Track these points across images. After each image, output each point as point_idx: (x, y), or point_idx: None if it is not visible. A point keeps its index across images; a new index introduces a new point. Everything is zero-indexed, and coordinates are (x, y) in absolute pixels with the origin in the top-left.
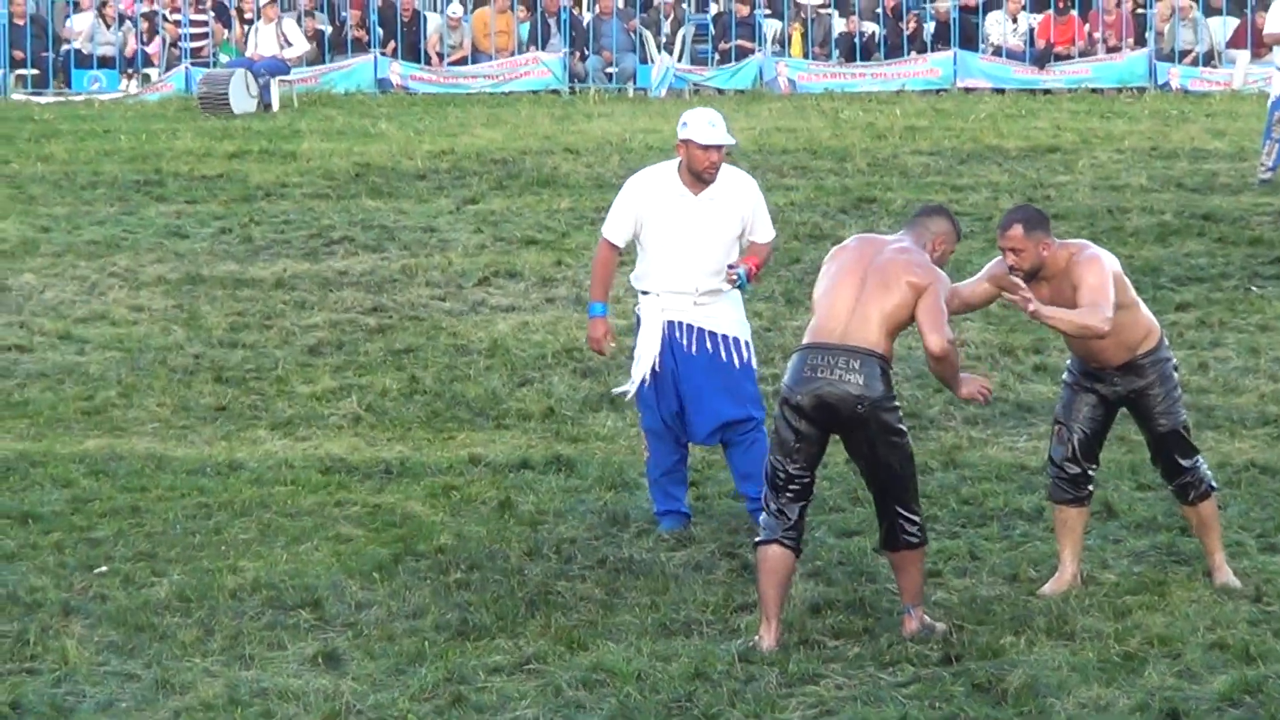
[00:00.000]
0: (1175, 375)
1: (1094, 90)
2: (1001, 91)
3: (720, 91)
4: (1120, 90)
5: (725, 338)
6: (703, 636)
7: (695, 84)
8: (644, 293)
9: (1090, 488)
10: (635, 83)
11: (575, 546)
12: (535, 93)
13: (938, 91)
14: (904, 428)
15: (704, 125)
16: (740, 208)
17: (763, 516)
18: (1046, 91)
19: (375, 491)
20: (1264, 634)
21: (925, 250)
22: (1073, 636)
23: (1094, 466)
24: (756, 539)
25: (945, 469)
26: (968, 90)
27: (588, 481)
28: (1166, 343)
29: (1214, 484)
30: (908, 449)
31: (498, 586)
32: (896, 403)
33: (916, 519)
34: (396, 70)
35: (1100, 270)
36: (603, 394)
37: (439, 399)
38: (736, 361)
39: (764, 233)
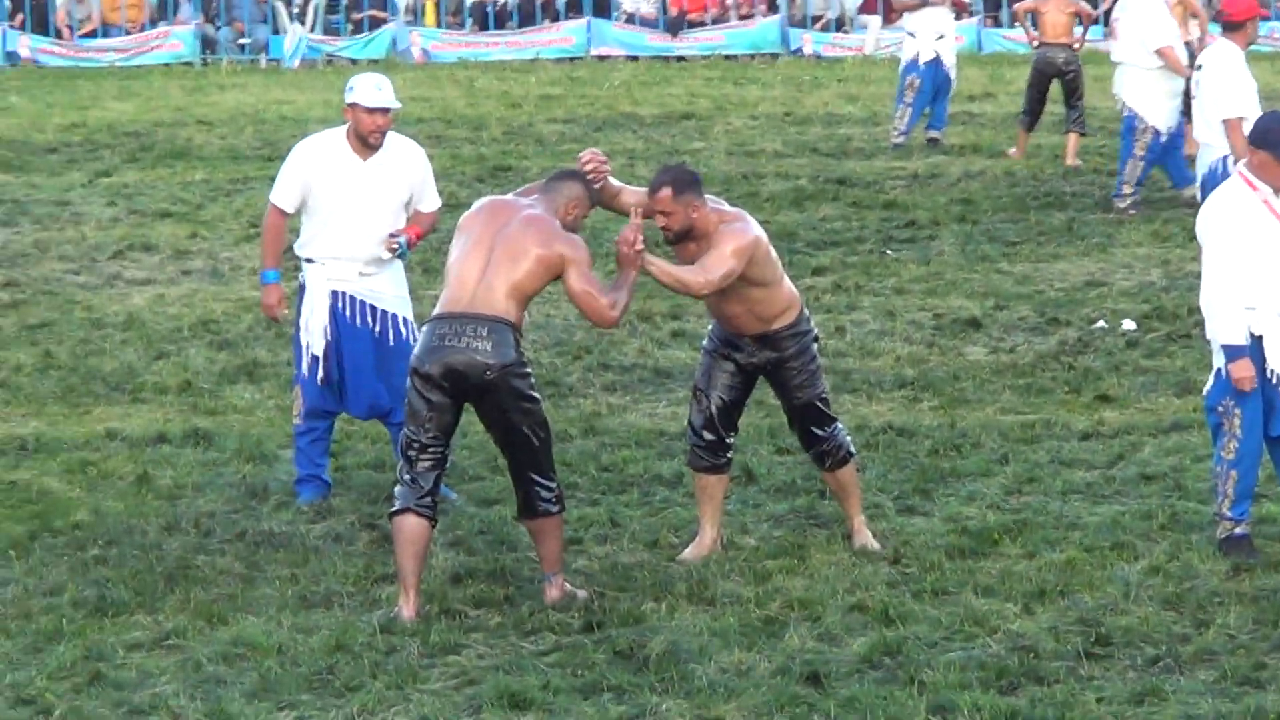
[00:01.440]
0: (814, 348)
1: (727, 57)
2: (635, 59)
3: (354, 61)
4: (753, 57)
5: (386, 314)
6: (343, 608)
7: (329, 54)
8: (309, 260)
9: (729, 455)
10: (268, 53)
11: (214, 520)
12: (167, 65)
13: (572, 59)
14: (536, 394)
15: (370, 89)
16: (409, 175)
17: (396, 487)
18: (680, 59)
19: (10, 468)
20: (903, 595)
21: (557, 215)
22: (713, 602)
23: (733, 434)
24: (391, 509)
25: (584, 436)
26: (602, 58)
27: (226, 455)
28: (807, 315)
29: (852, 449)
30: (541, 415)
31: (136, 562)
32: (528, 369)
33: (552, 486)
34: (25, 43)
35: (735, 242)
36: (240, 366)
37: (74, 374)
38: (392, 339)
39: (430, 202)
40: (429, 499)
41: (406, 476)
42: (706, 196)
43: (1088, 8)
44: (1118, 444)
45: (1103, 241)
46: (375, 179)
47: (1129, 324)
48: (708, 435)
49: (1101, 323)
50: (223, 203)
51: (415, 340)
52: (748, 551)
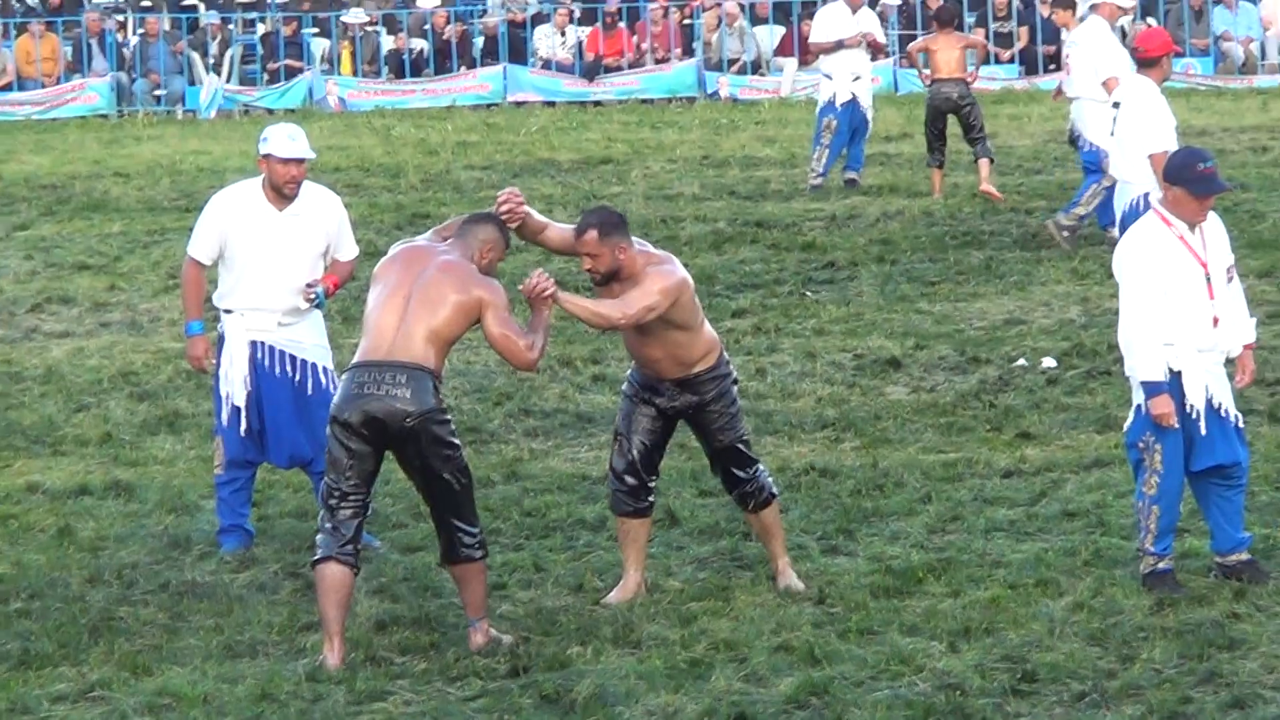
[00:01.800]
0: (734, 390)
1: (644, 101)
2: (552, 104)
3: (270, 111)
4: (670, 100)
5: (305, 363)
6: (269, 657)
7: (245, 104)
8: (227, 311)
9: (651, 498)
10: (184, 105)
11: (137, 571)
12: (83, 117)
13: (489, 106)
14: (457, 441)
15: (283, 139)
16: (325, 224)
17: (318, 535)
18: (597, 103)
19: None
20: (828, 635)
21: (473, 259)
22: (639, 644)
23: (654, 478)
24: (313, 558)
25: (507, 481)
26: (518, 104)
27: (148, 506)
28: (727, 358)
29: (774, 491)
30: (462, 462)
31: (59, 614)
32: (448, 416)
33: (475, 531)
34: None
35: (662, 282)
36: (160, 417)
37: None
38: (311, 388)
39: (347, 250)
40: (351, 546)
41: (328, 525)
42: (633, 239)
43: (980, 40)
44: (1040, 481)
45: (1021, 280)
46: (291, 229)
47: (1049, 361)
48: (629, 479)
49: (1022, 361)
50: (140, 254)
51: (335, 389)
52: (672, 594)
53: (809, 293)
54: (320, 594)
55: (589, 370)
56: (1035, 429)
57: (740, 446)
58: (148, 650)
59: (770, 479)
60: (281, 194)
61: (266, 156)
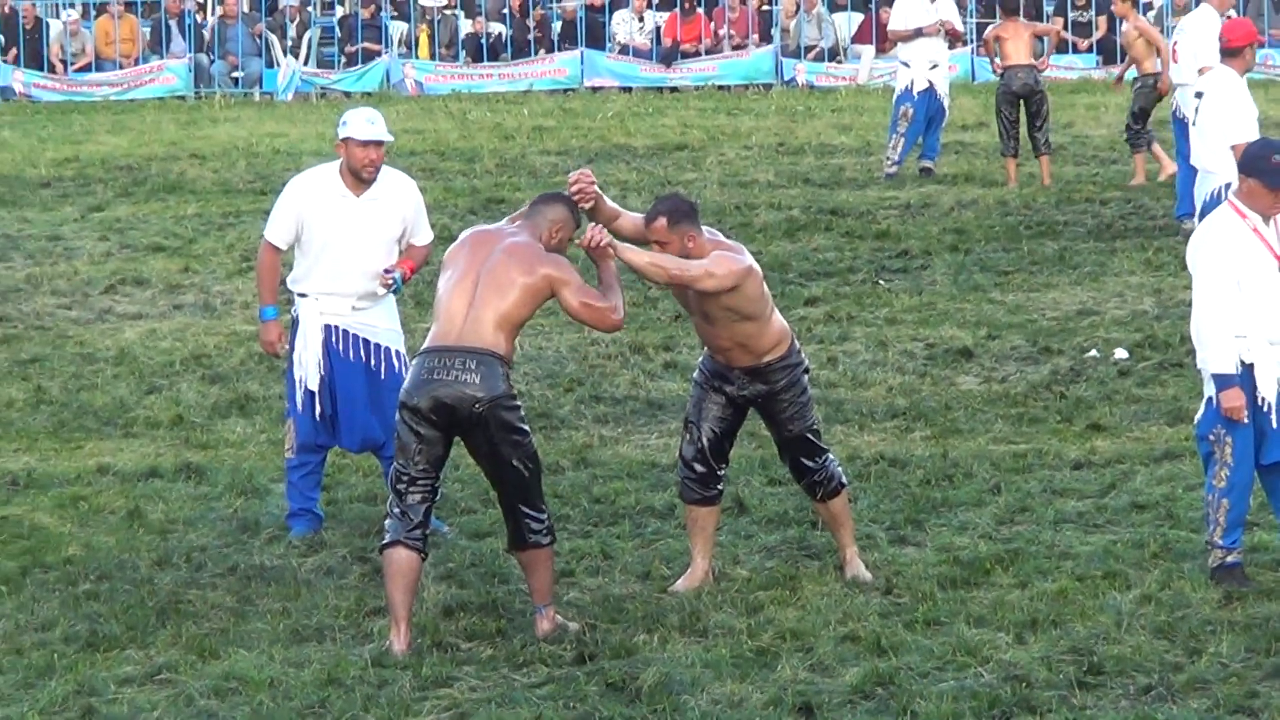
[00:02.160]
0: (805, 380)
1: (721, 87)
2: (629, 90)
3: (348, 94)
4: (747, 87)
5: (379, 347)
6: (335, 642)
7: (322, 87)
8: (302, 295)
9: (720, 486)
10: (261, 87)
11: (206, 554)
12: (161, 99)
13: (565, 91)
14: (525, 427)
15: (362, 123)
16: (402, 209)
17: (387, 520)
18: (674, 89)
19: (1, 504)
20: (895, 626)
21: (541, 239)
22: (706, 633)
23: (724, 466)
24: (381, 542)
25: (576, 468)
26: (595, 89)
27: (218, 489)
28: (798, 347)
29: (844, 480)
30: (530, 448)
31: (127, 596)
32: (517, 402)
33: (543, 518)
34: (19, 78)
35: (728, 264)
36: (232, 400)
37: (66, 409)
38: (385, 372)
39: (423, 235)
40: (419, 532)
41: (396, 510)
42: (704, 228)
43: (1048, 27)
44: (1110, 473)
45: (1095, 270)
46: (368, 214)
47: (1121, 353)
48: (699, 467)
49: (1094, 352)
50: (215, 237)
51: (408, 373)
52: (740, 583)
53: (882, 281)
54: (387, 579)
55: (660, 357)
56: (1106, 420)
57: (810, 436)
58: (215, 634)
59: (840, 468)
60: (360, 178)
61: (345, 140)
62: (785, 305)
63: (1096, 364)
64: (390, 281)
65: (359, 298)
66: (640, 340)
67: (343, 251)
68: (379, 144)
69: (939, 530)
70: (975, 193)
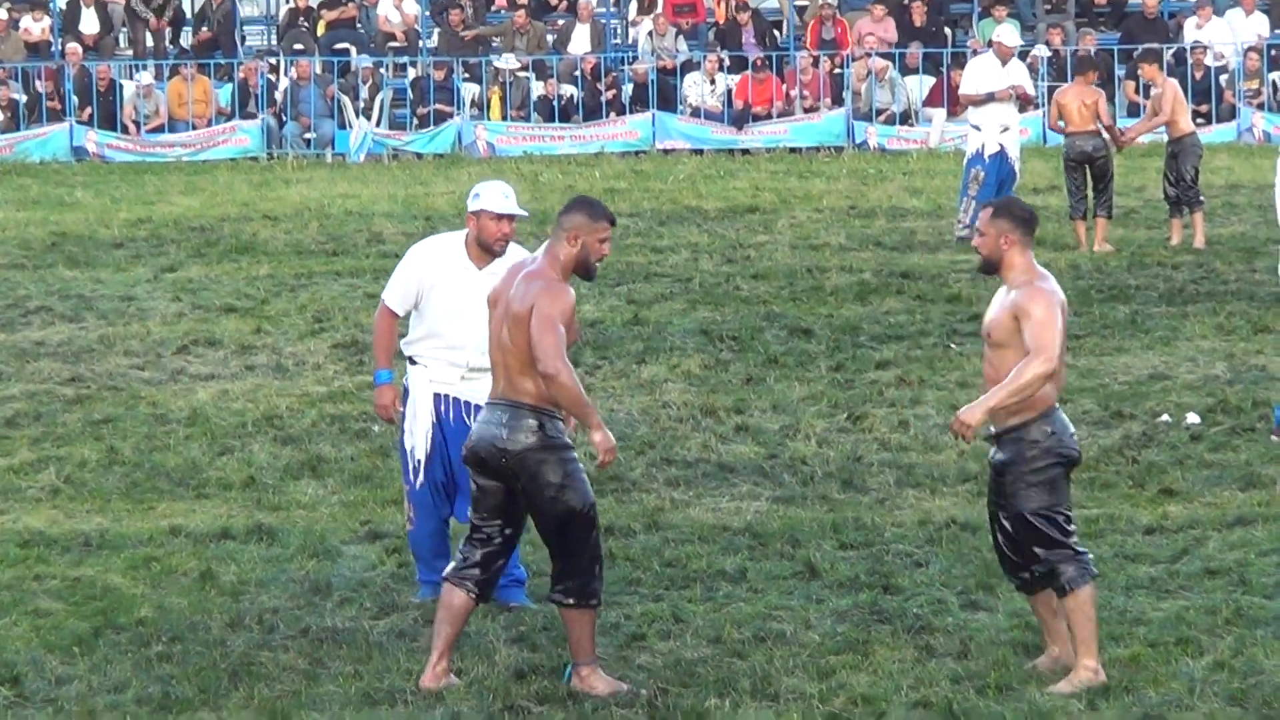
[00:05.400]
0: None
1: (792, 150)
2: (700, 152)
3: (419, 156)
4: (818, 150)
5: None
6: (407, 705)
7: (394, 149)
8: (412, 361)
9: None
10: (334, 148)
11: (278, 616)
12: (233, 160)
13: (637, 153)
14: (557, 480)
15: (498, 195)
16: None
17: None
18: (745, 152)
19: (74, 564)
20: (967, 691)
21: (560, 254)
22: (777, 697)
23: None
24: (443, 573)
25: (648, 531)
26: (666, 151)
27: (289, 550)
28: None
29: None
30: (566, 502)
31: (200, 658)
32: (549, 455)
33: (576, 575)
34: (93, 138)
35: (1049, 303)
36: (304, 462)
37: (138, 469)
38: None
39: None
40: (474, 573)
41: (460, 551)
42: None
43: (1105, 106)
44: (1182, 538)
45: (1166, 334)
46: (489, 288)
47: (1193, 417)
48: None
49: (1166, 416)
50: (287, 297)
51: None
52: (811, 647)
53: (953, 345)
54: (438, 609)
55: (731, 420)
56: (1178, 485)
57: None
58: (287, 696)
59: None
60: (490, 251)
61: (477, 213)
62: (857, 368)
63: (1168, 429)
64: None
65: (470, 370)
66: (711, 403)
67: (460, 323)
68: (512, 218)
69: (1011, 595)
70: (1047, 256)
